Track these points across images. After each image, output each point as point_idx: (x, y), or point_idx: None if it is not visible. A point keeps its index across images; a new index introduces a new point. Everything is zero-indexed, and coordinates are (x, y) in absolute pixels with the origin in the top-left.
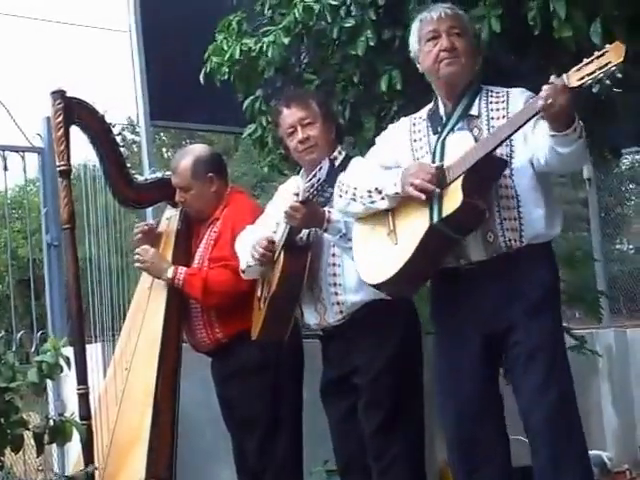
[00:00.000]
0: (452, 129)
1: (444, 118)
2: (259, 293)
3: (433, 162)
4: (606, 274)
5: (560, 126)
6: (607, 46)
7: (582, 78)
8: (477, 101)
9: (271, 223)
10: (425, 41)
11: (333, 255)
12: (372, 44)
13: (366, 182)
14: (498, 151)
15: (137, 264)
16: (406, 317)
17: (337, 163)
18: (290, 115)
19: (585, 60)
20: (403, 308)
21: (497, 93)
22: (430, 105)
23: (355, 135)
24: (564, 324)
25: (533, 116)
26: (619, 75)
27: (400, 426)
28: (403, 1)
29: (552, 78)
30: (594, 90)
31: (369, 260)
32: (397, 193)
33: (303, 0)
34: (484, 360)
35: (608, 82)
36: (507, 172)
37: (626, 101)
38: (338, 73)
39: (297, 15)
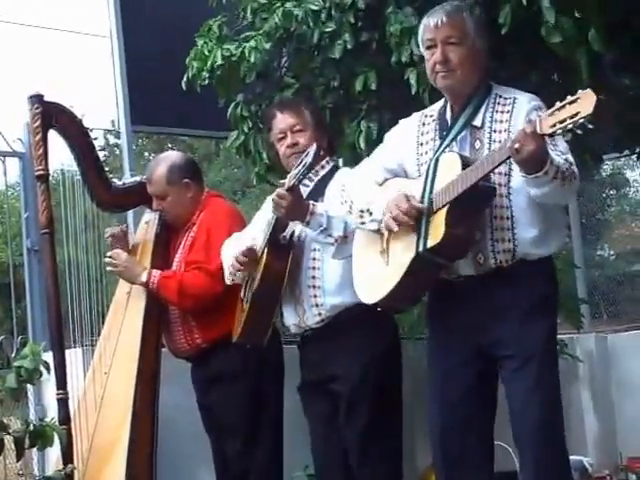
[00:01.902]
0: (454, 139)
1: (449, 123)
2: (242, 294)
3: (425, 182)
4: (587, 280)
5: (529, 170)
6: (580, 92)
7: (554, 125)
8: (482, 110)
9: (257, 231)
10: (424, 48)
11: (314, 259)
12: (349, 47)
13: (362, 198)
14: (496, 170)
15: (109, 268)
16: (385, 322)
17: (324, 173)
18: (282, 120)
19: (558, 104)
20: (382, 313)
21: (505, 100)
22: (441, 103)
23: (336, 140)
24: None
25: (507, 158)
26: (590, 126)
27: (381, 430)
28: (382, 4)
29: (524, 124)
30: (565, 139)
31: (363, 277)
32: (381, 221)
33: (283, 5)
34: (473, 371)
35: (579, 132)
36: (504, 191)
37: (607, 107)
38: (318, 77)
39: (277, 20)
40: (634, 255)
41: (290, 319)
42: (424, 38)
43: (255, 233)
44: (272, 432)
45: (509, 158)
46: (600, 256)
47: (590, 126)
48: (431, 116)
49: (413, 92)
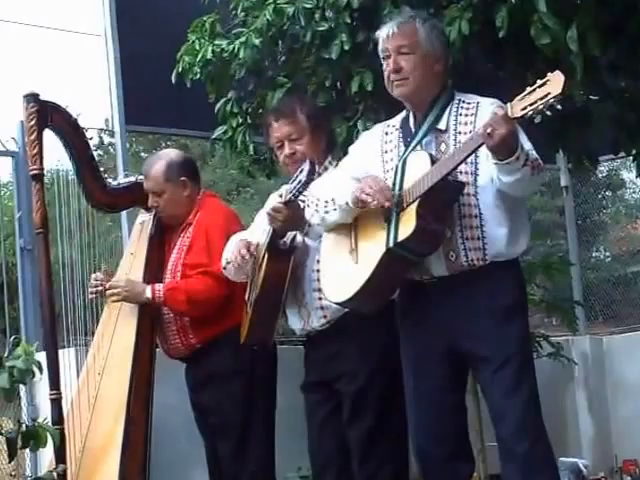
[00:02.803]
0: (419, 143)
1: (413, 130)
2: (247, 296)
3: (394, 181)
4: (583, 281)
5: (501, 155)
6: (548, 75)
7: (525, 108)
8: (446, 114)
9: (259, 230)
10: (382, 59)
11: (318, 261)
12: (346, 48)
13: (326, 192)
14: (463, 168)
15: (113, 298)
16: (390, 322)
17: (326, 173)
18: (278, 129)
19: (529, 88)
20: (387, 313)
21: (468, 104)
22: (403, 114)
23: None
24: (542, 331)
25: (479, 145)
26: (558, 107)
27: (386, 432)
28: (377, 4)
29: (495, 108)
30: (536, 121)
31: (331, 277)
32: (347, 203)
33: (275, 2)
34: (446, 372)
35: (548, 113)
36: (471, 190)
37: (603, 108)
38: (310, 77)
39: (268, 17)
40: (630, 257)
41: (295, 322)
42: (380, 50)
43: (259, 232)
44: (265, 433)
45: (482, 145)
46: (596, 258)
47: (559, 107)
48: (394, 126)
49: None
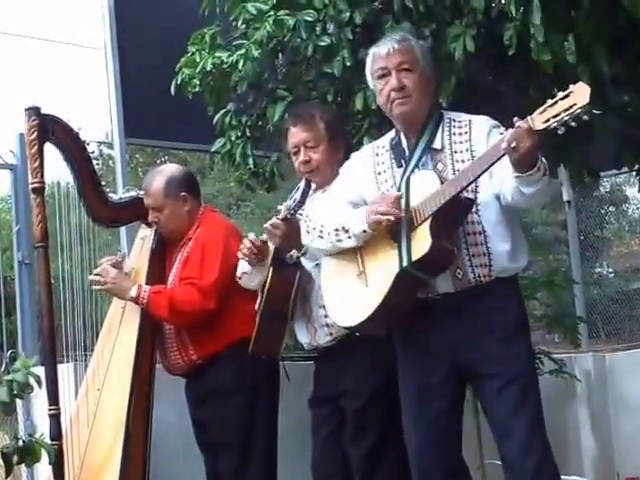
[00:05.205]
0: (416, 165)
1: (407, 151)
2: (256, 306)
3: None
4: (585, 298)
5: (524, 168)
6: (571, 86)
7: (547, 120)
8: (439, 133)
9: None
10: (376, 78)
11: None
12: (348, 64)
13: (333, 220)
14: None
15: (97, 286)
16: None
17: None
18: (295, 135)
19: (549, 101)
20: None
21: (459, 122)
22: (392, 134)
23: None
24: (543, 348)
25: (498, 159)
26: (585, 117)
27: (388, 449)
28: (379, 20)
29: (516, 120)
30: (559, 132)
31: (337, 302)
32: (364, 231)
33: (276, 13)
34: (449, 390)
35: (573, 124)
36: (473, 208)
37: (606, 123)
38: (311, 91)
39: (268, 29)
40: (633, 273)
41: (302, 337)
42: (375, 68)
43: None
44: (266, 448)
45: (500, 158)
46: (598, 274)
47: (585, 117)
48: (383, 147)
49: None
